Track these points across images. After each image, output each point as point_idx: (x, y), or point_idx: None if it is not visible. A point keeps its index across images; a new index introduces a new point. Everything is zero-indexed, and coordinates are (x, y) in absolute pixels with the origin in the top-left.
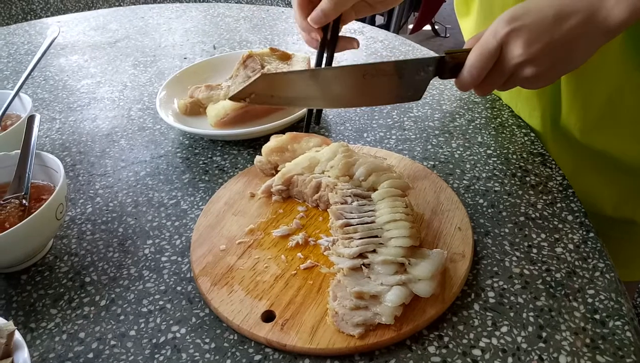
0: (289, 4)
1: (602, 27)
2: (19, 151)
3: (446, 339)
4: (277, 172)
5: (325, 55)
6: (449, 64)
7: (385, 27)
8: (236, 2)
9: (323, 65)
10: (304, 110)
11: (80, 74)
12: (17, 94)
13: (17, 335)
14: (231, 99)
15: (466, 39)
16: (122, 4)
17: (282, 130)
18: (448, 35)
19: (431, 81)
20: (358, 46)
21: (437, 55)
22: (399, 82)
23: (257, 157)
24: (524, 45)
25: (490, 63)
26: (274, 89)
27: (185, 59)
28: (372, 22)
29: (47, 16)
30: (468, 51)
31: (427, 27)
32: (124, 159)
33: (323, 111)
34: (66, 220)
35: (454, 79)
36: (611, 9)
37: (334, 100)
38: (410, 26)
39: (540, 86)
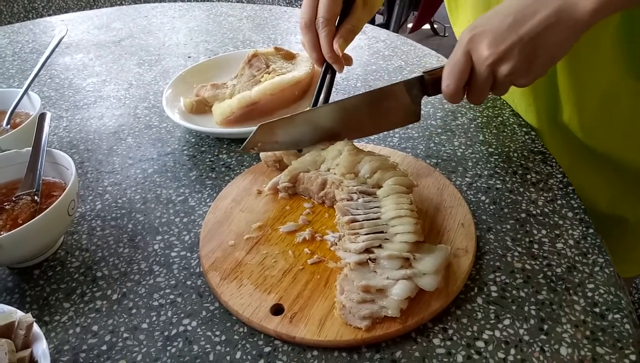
0: (290, 4)
1: (573, 17)
2: (30, 148)
3: (450, 331)
4: (280, 164)
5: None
6: (429, 82)
7: (385, 26)
8: (238, 2)
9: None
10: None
11: (85, 73)
12: (26, 92)
13: (36, 327)
14: (241, 151)
15: (457, 35)
16: (124, 2)
17: None
18: (447, 34)
19: None
20: (351, 63)
21: (417, 75)
22: (387, 108)
23: None
24: (489, 46)
25: (464, 72)
26: (275, 135)
27: (189, 58)
28: (371, 21)
29: (49, 14)
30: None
31: (427, 26)
32: (132, 156)
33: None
34: (76, 216)
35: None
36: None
37: (340, 132)
38: (410, 25)
39: (530, 80)
